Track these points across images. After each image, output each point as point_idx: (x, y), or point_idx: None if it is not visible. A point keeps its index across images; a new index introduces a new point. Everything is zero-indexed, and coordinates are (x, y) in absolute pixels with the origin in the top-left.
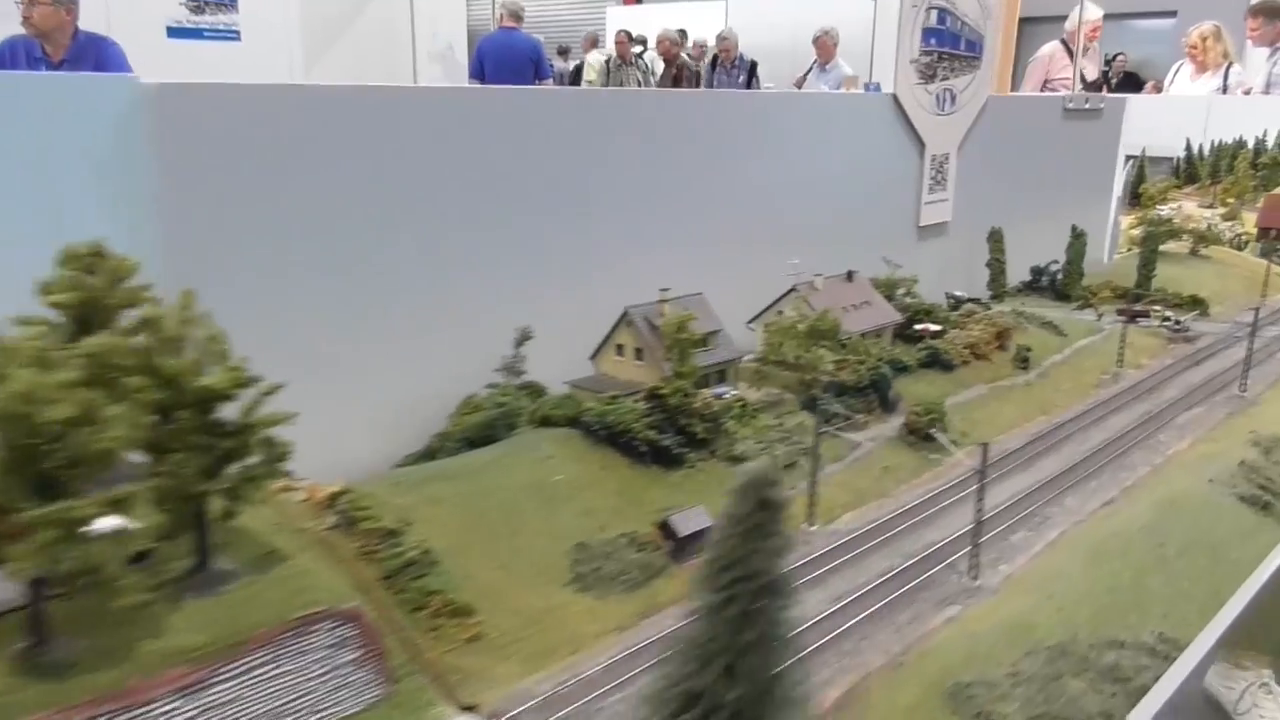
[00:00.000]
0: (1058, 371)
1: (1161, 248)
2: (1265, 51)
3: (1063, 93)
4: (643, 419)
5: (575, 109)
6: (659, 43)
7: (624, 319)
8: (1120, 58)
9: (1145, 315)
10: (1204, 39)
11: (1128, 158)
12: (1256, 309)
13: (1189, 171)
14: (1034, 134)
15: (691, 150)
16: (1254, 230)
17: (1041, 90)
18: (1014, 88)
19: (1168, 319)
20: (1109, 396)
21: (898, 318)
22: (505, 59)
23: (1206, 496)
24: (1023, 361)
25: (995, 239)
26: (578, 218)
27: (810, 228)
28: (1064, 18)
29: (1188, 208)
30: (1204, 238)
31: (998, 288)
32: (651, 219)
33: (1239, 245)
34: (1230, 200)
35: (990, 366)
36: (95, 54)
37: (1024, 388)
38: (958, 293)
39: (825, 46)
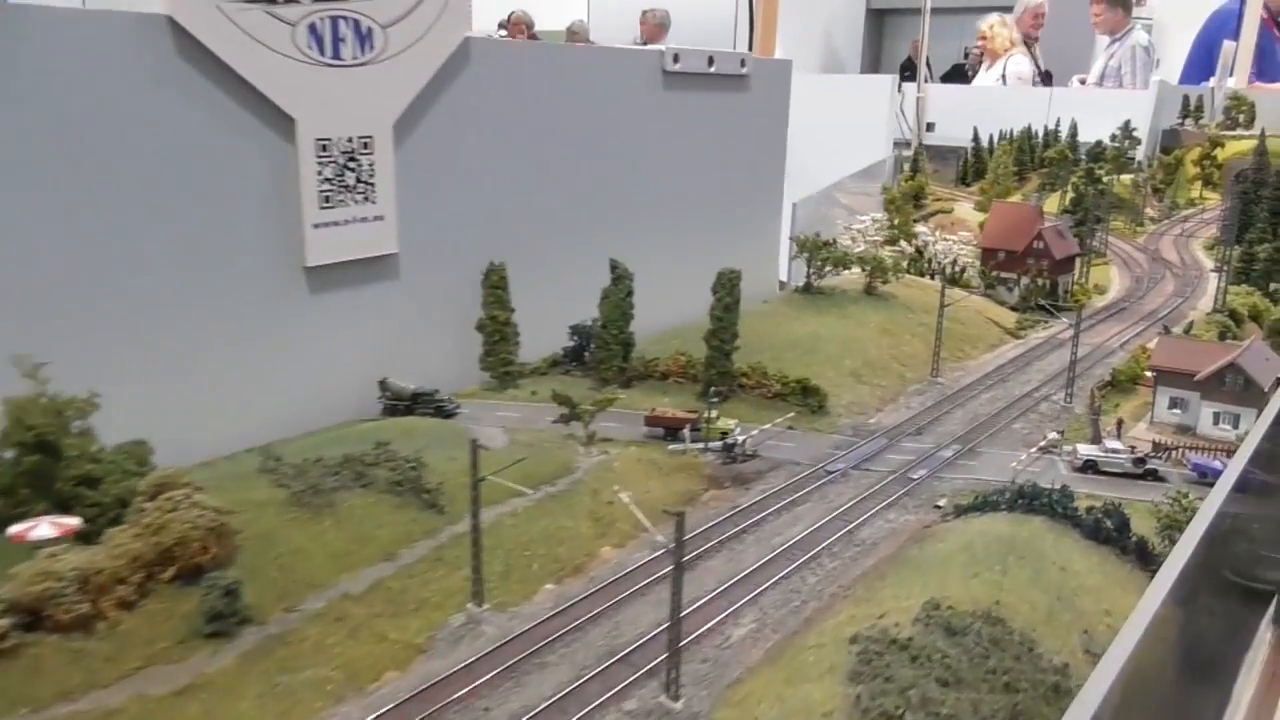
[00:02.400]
0: (323, 624)
1: (825, 281)
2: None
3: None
4: None
5: None
6: (512, 24)
7: None
8: (977, 48)
9: (681, 428)
10: (990, 27)
11: (903, 143)
12: (679, 533)
13: (976, 166)
14: (602, 109)
15: None
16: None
17: (1002, 81)
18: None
19: (725, 436)
20: None
21: None
22: None
23: None
24: (214, 620)
25: (493, 283)
26: None
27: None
28: (915, 10)
29: (963, 210)
30: (883, 268)
31: (498, 366)
32: None
33: (955, 276)
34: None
35: (99, 644)
36: None
37: (159, 706)
38: (406, 385)
39: (647, 26)
